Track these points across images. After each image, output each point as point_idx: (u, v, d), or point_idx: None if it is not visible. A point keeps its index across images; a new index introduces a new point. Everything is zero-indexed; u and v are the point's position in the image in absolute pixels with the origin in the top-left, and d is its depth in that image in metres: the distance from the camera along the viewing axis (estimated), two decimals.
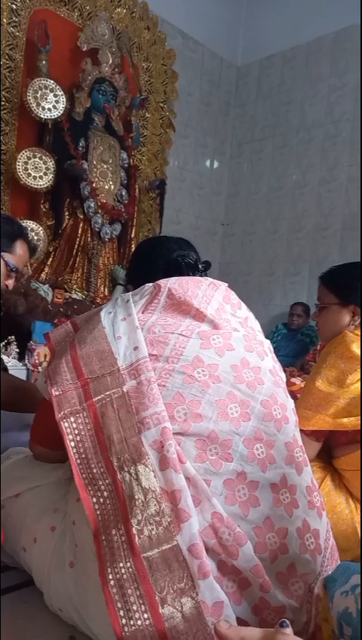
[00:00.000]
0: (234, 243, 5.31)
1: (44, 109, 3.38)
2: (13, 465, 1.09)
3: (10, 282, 1.62)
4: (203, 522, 0.73)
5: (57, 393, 0.83)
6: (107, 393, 0.82)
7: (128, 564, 0.69)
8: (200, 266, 1.06)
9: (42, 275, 3.48)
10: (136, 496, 0.72)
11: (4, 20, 3.37)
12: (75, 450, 0.78)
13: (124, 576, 0.69)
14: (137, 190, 3.96)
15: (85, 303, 3.42)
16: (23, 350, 2.95)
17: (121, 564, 0.69)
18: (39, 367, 2.97)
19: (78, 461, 0.77)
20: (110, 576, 0.69)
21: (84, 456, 0.78)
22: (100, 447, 0.78)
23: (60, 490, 0.97)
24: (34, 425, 1.00)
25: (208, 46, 4.99)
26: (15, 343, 2.91)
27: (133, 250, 3.91)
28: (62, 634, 0.88)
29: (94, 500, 0.75)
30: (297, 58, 4.79)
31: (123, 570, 0.69)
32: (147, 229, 4.29)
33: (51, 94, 3.40)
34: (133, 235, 3.94)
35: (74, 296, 3.48)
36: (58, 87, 3.42)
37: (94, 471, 0.76)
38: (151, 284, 0.97)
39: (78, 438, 0.79)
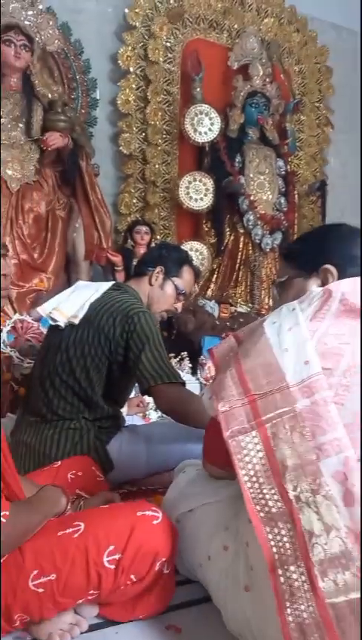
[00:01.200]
0: None
1: (200, 133, 3.53)
2: (186, 480, 1.11)
3: (179, 305, 1.75)
4: None
5: (224, 409, 0.80)
6: (277, 412, 0.76)
7: (311, 609, 0.63)
8: None
9: (208, 291, 3.61)
10: (317, 533, 0.66)
11: (161, 59, 3.63)
12: (244, 472, 0.74)
13: (306, 621, 0.62)
14: (296, 196, 3.85)
15: (250, 316, 3.43)
16: (195, 365, 3.08)
17: (303, 607, 0.63)
18: (211, 381, 3.06)
19: (249, 484, 0.73)
20: (290, 618, 0.63)
21: (254, 479, 0.73)
22: (272, 472, 0.72)
23: (231, 508, 0.95)
24: (205, 443, 0.99)
25: None
26: (187, 358, 3.06)
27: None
28: None
29: (268, 529, 0.70)
30: None
31: (305, 615, 0.63)
32: None
33: (206, 118, 3.55)
34: None
35: (239, 309, 3.52)
36: (212, 110, 3.55)
37: (266, 497, 0.71)
38: (319, 289, 0.89)
39: (247, 459, 0.75)
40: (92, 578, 0.89)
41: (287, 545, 0.68)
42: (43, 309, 1.64)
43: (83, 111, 3.49)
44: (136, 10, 3.60)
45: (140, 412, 2.41)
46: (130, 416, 2.19)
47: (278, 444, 0.74)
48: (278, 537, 0.69)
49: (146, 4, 3.62)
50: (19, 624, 0.90)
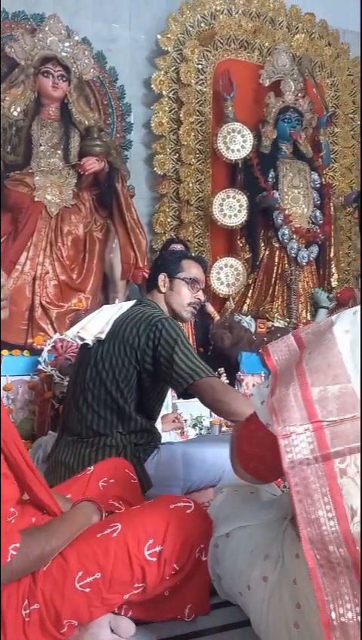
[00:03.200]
0: None
1: (233, 151, 3.57)
2: (223, 502, 1.09)
3: (200, 294, 1.78)
4: None
5: (285, 433, 0.68)
6: (348, 447, 0.64)
7: None
8: None
9: (244, 307, 3.60)
10: None
11: (193, 81, 3.71)
12: (302, 511, 0.64)
13: None
14: (332, 208, 3.82)
15: (288, 330, 3.39)
16: (233, 381, 3.07)
17: None
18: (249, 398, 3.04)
19: (308, 529, 0.63)
20: None
21: (313, 516, 0.63)
22: (338, 515, 0.62)
23: (270, 533, 0.92)
24: (238, 443, 0.90)
25: None
26: (225, 374, 3.05)
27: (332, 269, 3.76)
28: None
29: (326, 581, 0.61)
30: None
31: None
32: (347, 246, 4.09)
33: (239, 136, 3.58)
34: (332, 255, 3.80)
35: (276, 324, 3.49)
36: (245, 127, 3.58)
37: (329, 548, 0.61)
38: None
39: (309, 500, 0.64)
40: (136, 572, 0.92)
41: (346, 589, 0.59)
42: (71, 332, 1.71)
43: (118, 135, 3.59)
44: (168, 36, 3.70)
45: (177, 428, 2.41)
46: (167, 433, 2.20)
47: (346, 484, 0.63)
48: (338, 594, 0.59)
49: (178, 29, 3.72)
50: (66, 630, 0.91)
